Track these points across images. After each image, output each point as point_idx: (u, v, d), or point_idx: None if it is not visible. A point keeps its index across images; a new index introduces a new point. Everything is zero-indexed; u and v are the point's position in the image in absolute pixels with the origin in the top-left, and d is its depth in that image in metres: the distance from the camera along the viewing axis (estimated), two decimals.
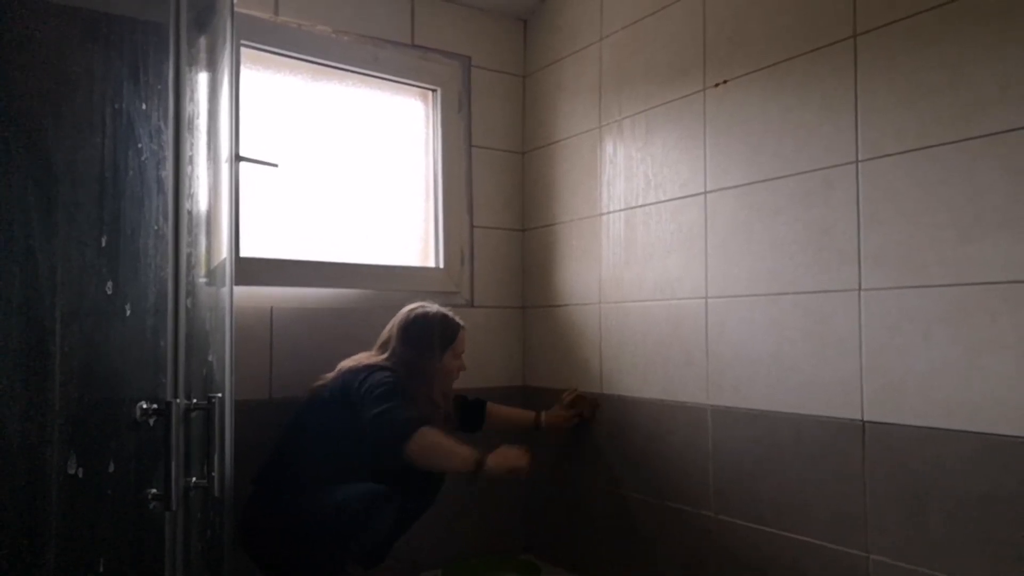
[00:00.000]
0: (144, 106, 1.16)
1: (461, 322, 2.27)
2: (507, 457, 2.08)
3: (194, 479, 1.16)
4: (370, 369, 2.11)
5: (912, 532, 1.65)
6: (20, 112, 0.94)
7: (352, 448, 2.05)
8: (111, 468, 1.07)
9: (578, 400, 2.52)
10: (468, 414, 2.46)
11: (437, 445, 2.00)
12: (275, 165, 2.34)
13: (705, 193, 2.15)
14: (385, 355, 2.18)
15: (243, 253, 2.31)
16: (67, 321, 0.99)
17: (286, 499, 2.04)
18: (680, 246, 2.22)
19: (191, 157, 1.24)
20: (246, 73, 2.38)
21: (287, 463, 2.11)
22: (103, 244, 1.04)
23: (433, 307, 2.26)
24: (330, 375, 2.18)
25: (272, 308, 2.37)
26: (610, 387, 2.47)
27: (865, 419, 1.74)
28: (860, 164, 1.77)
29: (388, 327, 2.25)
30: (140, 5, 1.23)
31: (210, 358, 1.37)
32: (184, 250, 1.18)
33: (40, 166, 0.97)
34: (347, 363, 2.18)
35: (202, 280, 1.35)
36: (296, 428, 2.15)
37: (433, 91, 2.77)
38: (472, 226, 2.79)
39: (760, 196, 1.99)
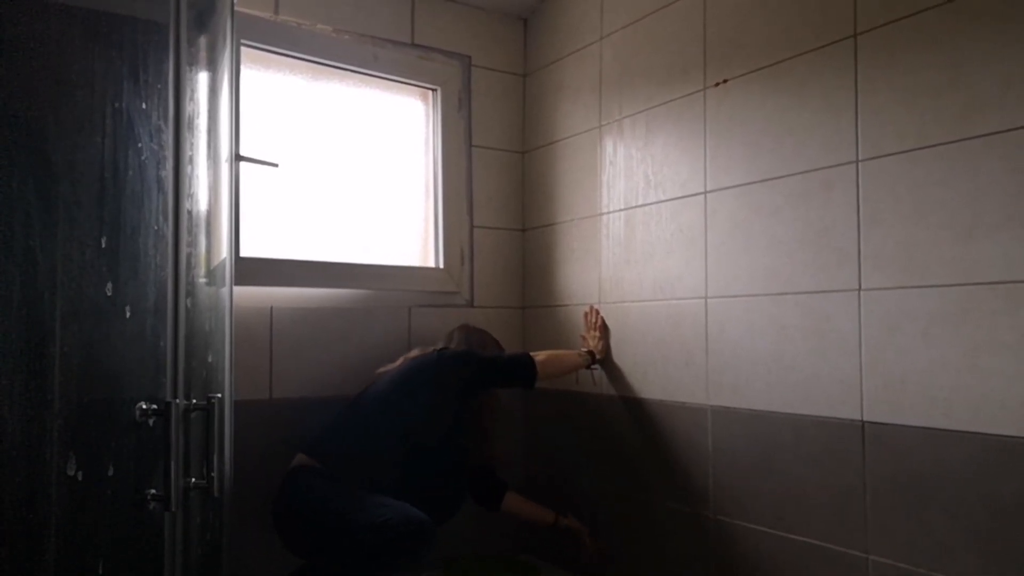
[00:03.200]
0: (144, 105, 1.16)
1: None
2: (605, 344, 2.46)
3: (194, 479, 1.16)
4: (447, 349, 2.28)
5: (912, 532, 1.65)
6: (20, 112, 0.93)
7: (430, 414, 2.18)
8: (110, 469, 1.06)
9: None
10: (487, 490, 2.46)
11: (550, 357, 2.34)
12: (275, 165, 2.34)
13: (705, 193, 2.15)
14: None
15: (243, 253, 2.31)
16: (67, 321, 0.98)
17: (334, 481, 2.04)
18: (680, 246, 2.22)
19: (191, 157, 1.24)
20: (246, 72, 2.37)
21: (359, 435, 2.15)
22: (103, 244, 1.04)
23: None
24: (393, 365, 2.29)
25: (272, 308, 2.37)
26: (610, 387, 2.47)
27: (865, 419, 1.74)
28: (860, 164, 1.77)
29: (444, 340, 2.42)
30: (141, 4, 1.23)
31: (210, 358, 1.37)
32: (184, 250, 1.18)
33: (40, 166, 0.96)
34: (413, 354, 2.31)
35: (202, 280, 1.35)
36: (374, 401, 2.19)
37: (433, 90, 2.77)
38: (472, 226, 2.79)
39: (760, 196, 1.99)
